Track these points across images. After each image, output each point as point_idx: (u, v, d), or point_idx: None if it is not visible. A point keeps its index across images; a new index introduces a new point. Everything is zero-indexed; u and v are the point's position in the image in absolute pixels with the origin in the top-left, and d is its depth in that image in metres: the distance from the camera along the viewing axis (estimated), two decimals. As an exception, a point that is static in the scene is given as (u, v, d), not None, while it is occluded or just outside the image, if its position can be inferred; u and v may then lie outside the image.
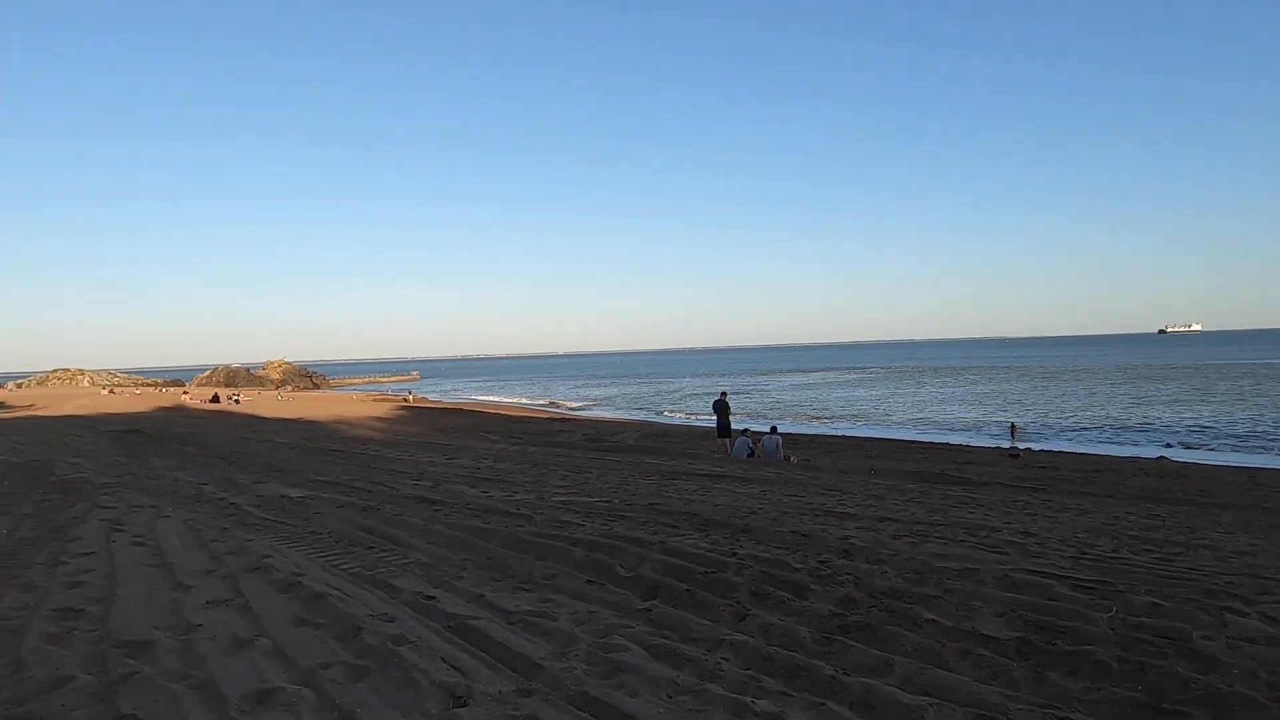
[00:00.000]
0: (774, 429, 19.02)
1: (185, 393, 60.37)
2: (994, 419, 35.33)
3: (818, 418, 39.69)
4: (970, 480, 13.38)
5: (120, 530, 7.07)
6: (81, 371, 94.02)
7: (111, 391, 62.82)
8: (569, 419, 38.79)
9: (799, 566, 5.37)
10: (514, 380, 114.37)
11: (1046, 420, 34.30)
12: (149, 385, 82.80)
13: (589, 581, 5.21)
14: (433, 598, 4.76)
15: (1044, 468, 17.05)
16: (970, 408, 42.33)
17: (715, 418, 20.71)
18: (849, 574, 5.18)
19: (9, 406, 39.68)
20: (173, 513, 8.28)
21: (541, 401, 60.94)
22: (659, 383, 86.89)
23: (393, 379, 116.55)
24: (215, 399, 46.85)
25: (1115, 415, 35.23)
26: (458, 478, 11.69)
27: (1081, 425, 32.12)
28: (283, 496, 9.46)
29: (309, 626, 4.05)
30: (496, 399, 65.76)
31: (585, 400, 61.47)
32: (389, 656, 3.50)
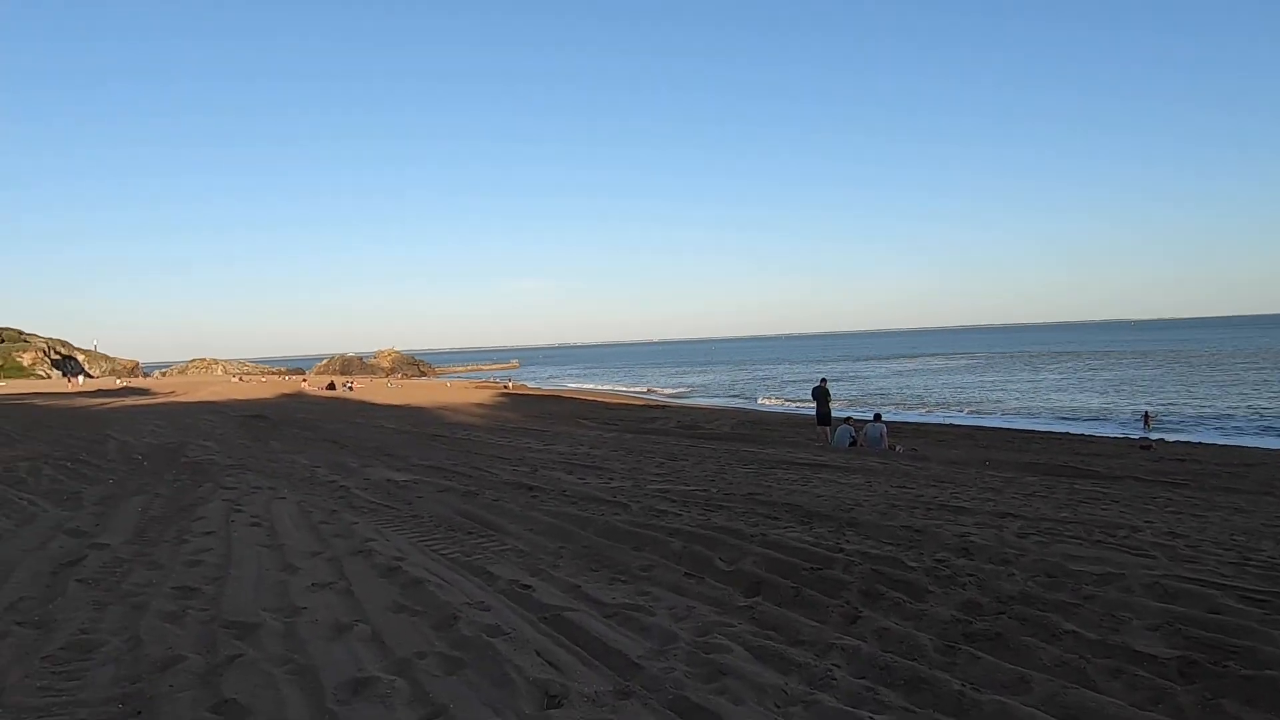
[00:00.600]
0: (878, 416, 18.24)
1: (304, 380, 64.32)
2: (1119, 407, 32.77)
3: (923, 405, 38.03)
4: (1099, 473, 12.33)
5: (239, 510, 7.43)
6: (215, 361, 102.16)
7: (240, 379, 67.79)
8: (664, 406, 38.75)
9: (914, 565, 4.98)
10: (610, 367, 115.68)
11: (1182, 409, 31.51)
12: (273, 373, 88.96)
13: (687, 574, 5.01)
14: (529, 587, 4.69)
15: (1183, 460, 15.54)
16: (1091, 395, 39.45)
17: (814, 405, 20.09)
18: (971, 575, 4.75)
19: (153, 393, 43.37)
20: (287, 494, 8.66)
21: (637, 388, 61.30)
22: (754, 369, 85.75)
23: (493, 366, 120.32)
24: (331, 386, 49.64)
25: (1263, 404, 31.95)
26: (555, 464, 11.75)
27: (1223, 414, 29.30)
28: (388, 480, 9.75)
29: (407, 613, 4.03)
30: (593, 386, 66.63)
31: (680, 387, 61.38)
32: (484, 649, 3.41)
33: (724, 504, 7.62)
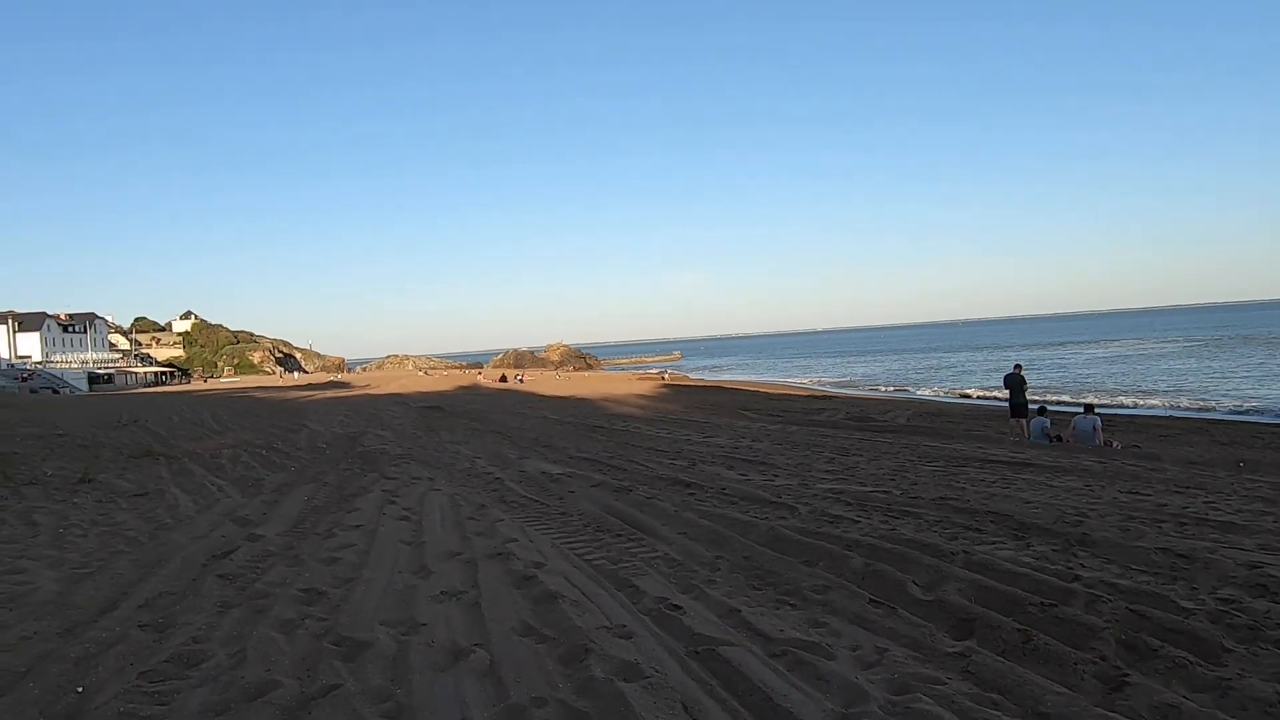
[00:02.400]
0: (1090, 408, 15.73)
1: (480, 373, 68.27)
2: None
3: (1137, 394, 33.28)
4: (1406, 480, 9.65)
5: (394, 502, 7.33)
6: (407, 356, 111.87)
7: (426, 373, 73.30)
8: (830, 396, 36.77)
9: (1190, 607, 3.71)
10: (772, 357, 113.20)
11: None
12: (455, 367, 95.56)
13: (873, 602, 4.05)
14: (679, 607, 3.96)
15: None
16: (1364, 382, 32.66)
17: (1007, 395, 17.85)
18: (1283, 627, 3.43)
19: (351, 386, 47.64)
20: (444, 486, 8.56)
21: (801, 378, 59.13)
22: (930, 357, 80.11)
23: (657, 359, 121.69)
24: (503, 379, 52.15)
25: None
26: (714, 458, 10.99)
27: None
28: (543, 473, 9.46)
29: (534, 638, 3.44)
30: (755, 376, 65.19)
31: (847, 376, 58.44)
32: (614, 701, 2.71)
33: (910, 509, 6.49)
